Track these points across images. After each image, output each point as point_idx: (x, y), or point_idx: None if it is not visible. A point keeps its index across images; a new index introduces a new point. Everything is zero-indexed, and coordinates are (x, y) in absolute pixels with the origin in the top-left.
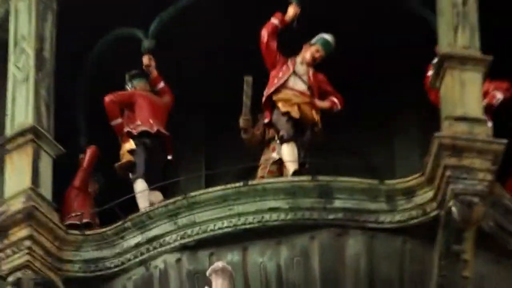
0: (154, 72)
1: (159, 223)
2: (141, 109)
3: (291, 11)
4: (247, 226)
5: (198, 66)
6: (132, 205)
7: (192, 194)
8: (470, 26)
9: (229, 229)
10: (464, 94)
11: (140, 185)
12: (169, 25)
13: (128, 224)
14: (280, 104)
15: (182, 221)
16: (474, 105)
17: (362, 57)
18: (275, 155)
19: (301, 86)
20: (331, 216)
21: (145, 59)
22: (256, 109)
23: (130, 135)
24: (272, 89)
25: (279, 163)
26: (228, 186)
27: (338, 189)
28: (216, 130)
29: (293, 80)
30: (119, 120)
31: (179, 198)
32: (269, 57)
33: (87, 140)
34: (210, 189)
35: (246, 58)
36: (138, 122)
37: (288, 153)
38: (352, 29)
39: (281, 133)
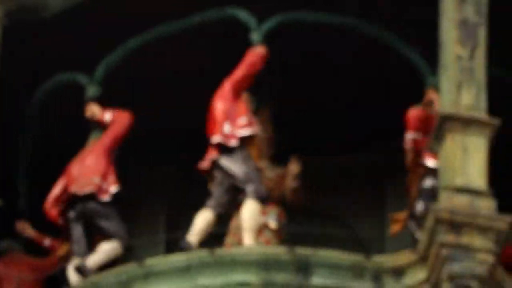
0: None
1: None
2: None
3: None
4: None
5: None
6: None
7: (149, 261)
8: (477, 84)
9: None
10: (466, 162)
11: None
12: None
13: None
14: None
15: None
16: (477, 175)
17: (351, 113)
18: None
19: None
20: None
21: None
22: None
23: None
24: None
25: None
26: (192, 254)
27: (317, 264)
28: (181, 186)
29: None
30: None
31: (132, 265)
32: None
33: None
34: (170, 257)
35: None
36: None
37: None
38: (342, 87)
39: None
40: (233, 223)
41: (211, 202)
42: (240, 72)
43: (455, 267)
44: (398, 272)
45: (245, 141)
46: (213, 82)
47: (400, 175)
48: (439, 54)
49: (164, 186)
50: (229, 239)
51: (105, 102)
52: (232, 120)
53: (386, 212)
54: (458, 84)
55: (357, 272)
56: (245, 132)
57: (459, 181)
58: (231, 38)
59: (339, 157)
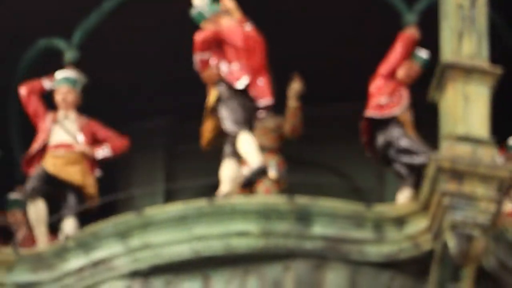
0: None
1: (106, 244)
2: None
3: None
4: (210, 252)
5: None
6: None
7: (147, 211)
8: (478, 33)
9: (189, 255)
10: (467, 110)
11: None
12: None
13: (70, 243)
14: None
15: (133, 242)
16: (478, 124)
17: (350, 66)
18: (244, 171)
19: None
20: (308, 245)
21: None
22: None
23: None
24: None
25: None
26: (190, 204)
27: (318, 213)
28: (178, 138)
29: None
30: None
31: (131, 215)
32: None
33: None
34: (168, 207)
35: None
36: None
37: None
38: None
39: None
40: None
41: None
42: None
43: (457, 216)
44: (399, 221)
45: None
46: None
47: None
48: (440, 2)
49: (162, 136)
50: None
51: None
52: None
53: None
54: (459, 33)
55: (358, 221)
56: None
57: (460, 130)
58: None
59: (338, 106)
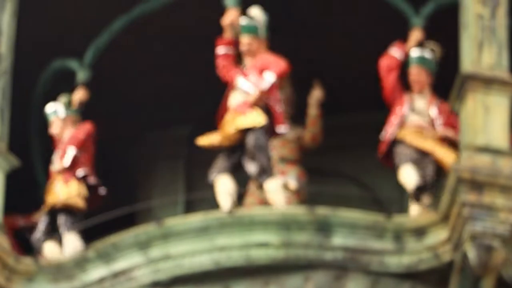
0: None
1: (127, 255)
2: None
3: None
4: (231, 263)
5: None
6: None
7: (167, 222)
8: (498, 43)
9: (210, 266)
10: (487, 121)
11: None
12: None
13: (91, 253)
14: None
15: (154, 253)
16: (498, 134)
17: (371, 75)
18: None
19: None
20: (328, 255)
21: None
22: None
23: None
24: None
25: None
26: (210, 214)
27: (338, 224)
28: (199, 148)
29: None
30: None
31: (151, 226)
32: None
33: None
34: (188, 218)
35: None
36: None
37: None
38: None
39: None
40: (252, 183)
41: None
42: None
43: (477, 227)
44: (419, 232)
45: None
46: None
47: None
48: (460, 12)
49: (182, 146)
50: (248, 199)
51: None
52: None
53: None
54: (479, 43)
55: (378, 232)
56: None
57: (480, 141)
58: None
59: (359, 115)
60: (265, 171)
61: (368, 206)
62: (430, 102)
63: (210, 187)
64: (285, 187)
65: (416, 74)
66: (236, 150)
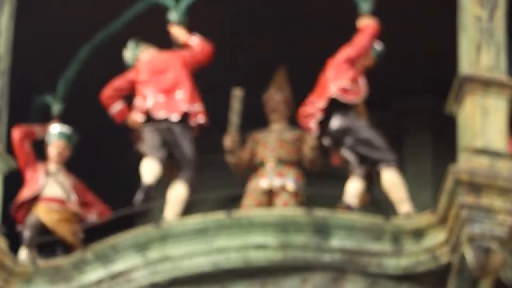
0: None
1: (125, 257)
2: None
3: None
4: (229, 265)
5: None
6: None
7: (166, 223)
8: (496, 45)
9: (208, 267)
10: (485, 123)
11: None
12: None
13: (89, 255)
14: None
15: (152, 255)
16: (497, 136)
17: (371, 76)
18: (264, 184)
19: None
20: (326, 257)
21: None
22: (245, 127)
23: None
24: None
25: (269, 193)
26: (208, 216)
27: (336, 226)
28: (197, 150)
29: None
30: None
31: (149, 227)
32: None
33: (62, 108)
34: (186, 219)
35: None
36: None
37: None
38: None
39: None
40: (250, 185)
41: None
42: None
43: (475, 229)
44: (417, 234)
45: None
46: None
47: (419, 135)
48: (459, 14)
49: None
50: (246, 201)
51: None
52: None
53: (404, 173)
54: (478, 45)
55: (376, 234)
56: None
57: (478, 143)
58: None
59: None
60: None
61: (366, 208)
62: None
63: (209, 189)
64: (283, 188)
65: (371, 62)
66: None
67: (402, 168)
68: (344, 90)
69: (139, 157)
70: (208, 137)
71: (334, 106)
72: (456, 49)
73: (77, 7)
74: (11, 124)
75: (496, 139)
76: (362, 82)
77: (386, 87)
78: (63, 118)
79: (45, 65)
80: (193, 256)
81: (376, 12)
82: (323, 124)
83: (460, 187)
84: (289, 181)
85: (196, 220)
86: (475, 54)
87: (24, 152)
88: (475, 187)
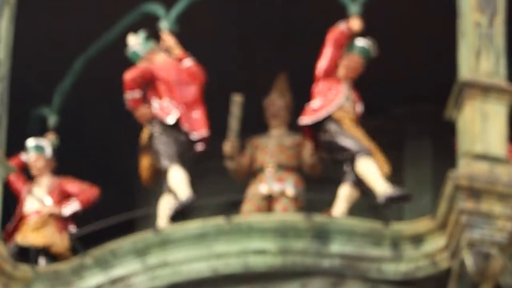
0: None
1: (125, 262)
2: None
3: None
4: (229, 270)
5: None
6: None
7: (165, 229)
8: (496, 51)
9: (207, 273)
10: (485, 129)
11: None
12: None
13: (88, 260)
14: None
15: (152, 260)
16: (496, 142)
17: (370, 82)
18: (263, 189)
19: None
20: (326, 262)
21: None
22: (244, 133)
23: None
24: None
25: (269, 198)
26: (208, 222)
27: (335, 231)
28: (197, 156)
29: None
30: None
31: (149, 233)
32: None
33: (58, 120)
34: (186, 225)
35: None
36: None
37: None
38: None
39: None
40: (250, 190)
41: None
42: None
43: (475, 234)
44: (417, 239)
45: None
46: None
47: (419, 141)
48: (458, 21)
49: None
50: (245, 206)
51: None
52: None
53: (403, 178)
54: (477, 51)
55: (375, 239)
56: None
57: (478, 148)
58: None
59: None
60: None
61: (365, 213)
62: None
63: (208, 195)
64: (283, 194)
65: (356, 62)
66: None
67: (402, 173)
68: (312, 111)
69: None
70: (208, 143)
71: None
72: (456, 54)
73: (77, 14)
74: (11, 129)
75: (495, 145)
76: (341, 88)
77: (386, 92)
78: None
79: (45, 71)
80: (193, 262)
81: (375, 18)
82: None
83: (459, 192)
84: (289, 187)
85: (195, 225)
86: (474, 60)
87: (18, 185)
88: (475, 193)
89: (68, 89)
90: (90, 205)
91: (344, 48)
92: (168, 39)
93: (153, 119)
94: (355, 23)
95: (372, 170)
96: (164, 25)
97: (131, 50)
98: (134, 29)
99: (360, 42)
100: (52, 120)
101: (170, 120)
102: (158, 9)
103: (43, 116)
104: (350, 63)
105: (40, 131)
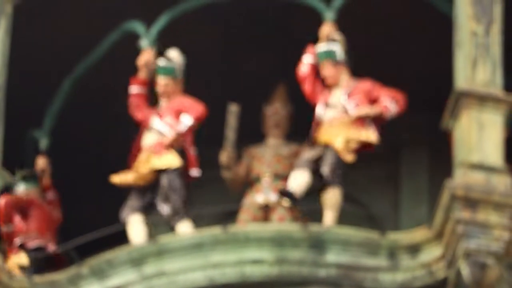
0: (47, 179)
1: (121, 271)
2: (36, 220)
3: None
4: (225, 280)
5: None
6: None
7: (161, 239)
8: (492, 60)
9: (204, 282)
10: (481, 138)
11: None
12: None
13: (85, 270)
14: None
15: (148, 270)
16: (492, 152)
17: None
18: (260, 199)
19: None
20: (322, 272)
21: (40, 162)
22: (241, 143)
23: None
24: None
25: (265, 208)
26: (204, 231)
27: (331, 241)
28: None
29: None
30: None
31: (145, 243)
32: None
33: (49, 142)
34: (182, 234)
35: None
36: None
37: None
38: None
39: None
40: (246, 200)
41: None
42: None
43: (471, 244)
44: (414, 249)
45: None
46: None
47: (415, 152)
48: (455, 30)
49: None
50: (242, 216)
51: None
52: None
53: (400, 189)
54: (474, 61)
55: (372, 249)
56: None
57: (474, 158)
58: None
59: None
60: (178, 213)
61: (361, 223)
62: (345, 89)
63: (205, 204)
64: (280, 203)
65: (325, 69)
66: (149, 190)
67: (398, 183)
68: None
69: None
70: (204, 152)
71: None
72: (452, 64)
73: (73, 24)
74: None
75: (492, 154)
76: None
77: None
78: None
79: (41, 81)
80: (189, 271)
81: (371, 29)
82: None
83: (456, 202)
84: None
85: (192, 235)
86: (471, 69)
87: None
88: (471, 202)
89: (57, 111)
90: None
91: (317, 62)
92: (146, 56)
93: None
94: (325, 29)
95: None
96: (144, 43)
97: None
98: (119, 47)
99: (322, 47)
100: (43, 143)
101: None
102: (138, 26)
103: (35, 138)
104: (325, 73)
105: (33, 154)
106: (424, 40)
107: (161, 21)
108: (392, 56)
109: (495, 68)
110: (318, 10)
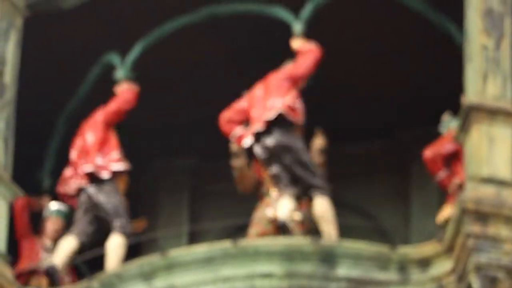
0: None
1: (131, 285)
2: None
3: None
4: None
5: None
6: None
7: (171, 252)
8: (502, 74)
9: None
10: (492, 152)
11: None
12: None
13: (95, 284)
14: None
15: (158, 284)
16: (503, 165)
17: (375, 104)
18: (270, 213)
19: None
20: (333, 286)
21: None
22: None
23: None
24: None
25: (275, 222)
26: (214, 245)
27: (342, 255)
28: (203, 178)
29: None
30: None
31: (155, 256)
32: None
33: (51, 182)
34: (192, 248)
35: None
36: None
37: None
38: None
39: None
40: (256, 214)
41: (75, 229)
42: (113, 106)
43: (482, 258)
44: (424, 263)
45: (116, 175)
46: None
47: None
48: (465, 44)
49: (186, 178)
50: (252, 230)
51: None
52: (104, 153)
53: (410, 202)
54: (484, 75)
55: (382, 263)
56: (118, 166)
57: (485, 172)
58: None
59: (363, 146)
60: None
61: (372, 237)
62: None
63: (215, 218)
64: (291, 217)
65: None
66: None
67: (408, 196)
68: (291, 108)
69: (144, 187)
70: (212, 166)
71: (275, 122)
72: (462, 77)
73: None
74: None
75: (502, 168)
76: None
77: (391, 115)
78: None
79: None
80: (199, 285)
81: (380, 42)
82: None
83: (466, 216)
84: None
85: (202, 249)
86: (481, 83)
87: (23, 222)
88: (482, 216)
89: (56, 149)
90: None
91: None
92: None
93: None
94: (296, 44)
95: (329, 212)
96: (120, 75)
97: None
98: (104, 80)
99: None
100: (46, 183)
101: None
102: (114, 58)
103: (37, 180)
104: None
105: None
106: (434, 53)
107: (135, 51)
108: (402, 70)
109: (506, 82)
110: (287, 22)
